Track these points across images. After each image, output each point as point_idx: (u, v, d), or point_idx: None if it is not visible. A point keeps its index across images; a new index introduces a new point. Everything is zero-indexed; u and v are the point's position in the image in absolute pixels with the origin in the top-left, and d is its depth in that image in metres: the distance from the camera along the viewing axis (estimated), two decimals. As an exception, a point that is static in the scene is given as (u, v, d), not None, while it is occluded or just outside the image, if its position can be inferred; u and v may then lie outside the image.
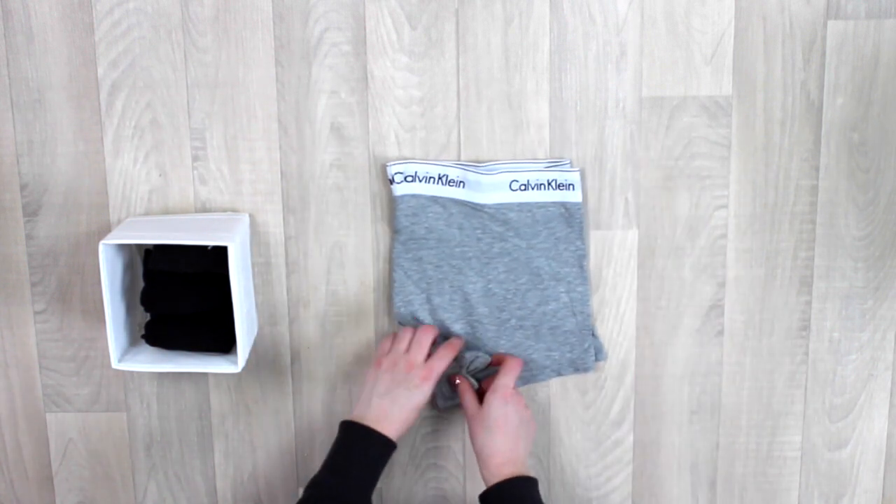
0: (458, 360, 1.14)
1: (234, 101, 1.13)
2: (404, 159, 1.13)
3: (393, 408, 1.06)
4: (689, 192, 1.14)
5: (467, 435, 1.21)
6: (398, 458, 1.22)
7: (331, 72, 1.12)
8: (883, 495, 1.23)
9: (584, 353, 1.17)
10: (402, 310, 1.15)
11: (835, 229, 1.15)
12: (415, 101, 1.12)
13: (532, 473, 1.05)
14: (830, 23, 1.10)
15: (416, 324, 1.16)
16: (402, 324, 1.16)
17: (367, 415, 1.06)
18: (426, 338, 1.11)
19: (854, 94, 1.12)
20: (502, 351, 1.16)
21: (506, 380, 1.09)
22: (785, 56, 1.11)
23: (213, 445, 1.22)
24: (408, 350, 1.10)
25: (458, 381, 1.13)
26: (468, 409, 1.10)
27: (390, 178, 1.12)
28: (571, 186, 1.12)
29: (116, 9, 1.10)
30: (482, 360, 1.14)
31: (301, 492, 1.22)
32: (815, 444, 1.21)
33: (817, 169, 1.14)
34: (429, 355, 1.10)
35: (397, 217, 1.13)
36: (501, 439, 1.05)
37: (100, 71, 1.12)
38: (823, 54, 1.11)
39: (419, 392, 1.07)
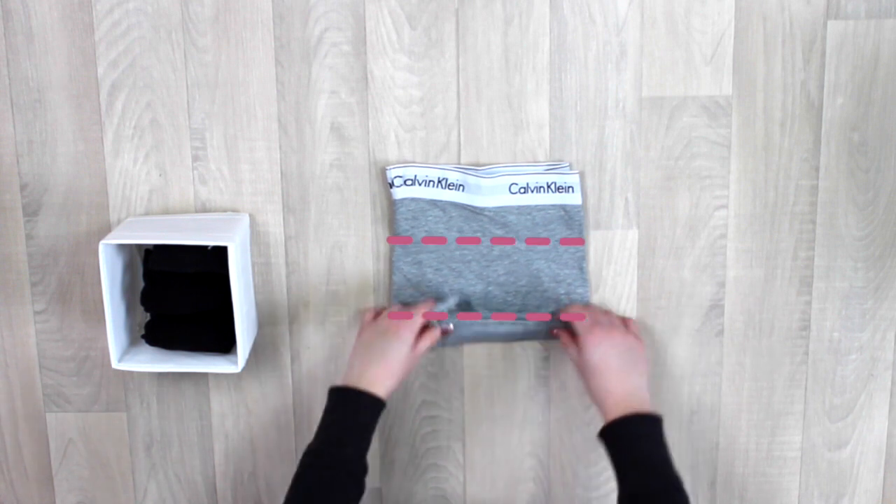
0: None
1: (234, 101, 1.13)
2: (404, 163, 1.13)
3: (375, 363, 1.05)
4: (689, 192, 1.14)
5: (467, 435, 1.21)
6: (398, 458, 1.22)
7: (331, 72, 1.12)
8: (883, 495, 1.23)
9: None
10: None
11: (835, 229, 1.15)
12: (415, 101, 1.12)
13: (648, 408, 1.02)
14: (830, 23, 1.10)
15: None
16: None
17: (352, 377, 1.05)
18: (421, 308, 1.11)
19: (854, 94, 1.12)
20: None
21: (581, 324, 1.08)
22: (785, 56, 1.11)
23: (213, 445, 1.22)
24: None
25: (554, 331, 1.14)
26: (572, 358, 1.09)
27: (390, 181, 1.12)
28: (571, 189, 1.12)
29: (116, 9, 1.10)
30: (454, 300, 1.14)
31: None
32: (815, 444, 1.21)
33: (817, 169, 1.14)
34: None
35: (397, 221, 1.13)
36: (607, 382, 1.04)
37: (100, 71, 1.12)
38: (823, 54, 1.11)
39: (398, 341, 1.06)
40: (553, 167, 1.13)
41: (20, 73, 1.12)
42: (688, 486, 1.22)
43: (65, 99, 1.13)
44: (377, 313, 1.13)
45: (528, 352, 1.19)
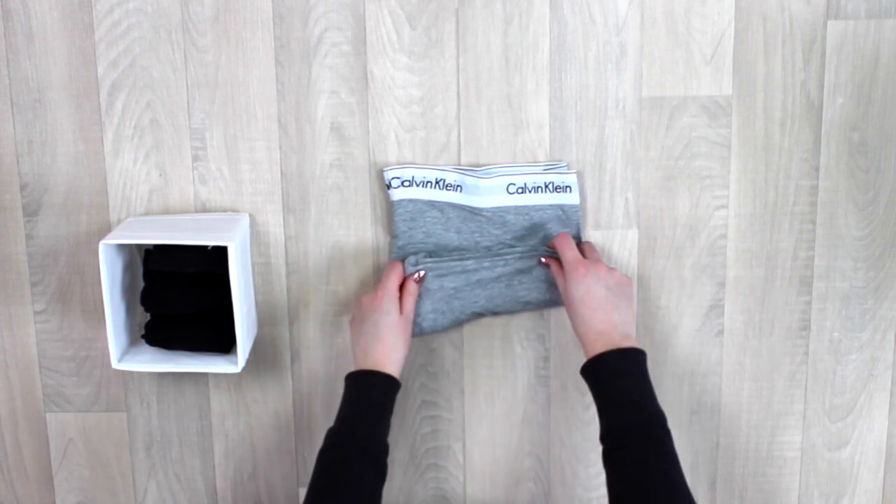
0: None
1: (234, 101, 1.13)
2: (401, 164, 1.13)
3: (373, 343, 1.06)
4: (689, 192, 1.14)
5: (467, 435, 1.21)
6: (398, 458, 1.22)
7: (331, 72, 1.12)
8: (883, 495, 1.23)
9: None
10: None
11: (835, 229, 1.15)
12: (415, 101, 1.12)
13: (631, 343, 1.01)
14: (830, 23, 1.10)
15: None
16: None
17: (359, 361, 1.07)
18: (390, 273, 1.10)
19: (854, 94, 1.12)
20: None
21: (569, 254, 1.07)
22: (785, 56, 1.11)
23: (213, 445, 1.22)
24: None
25: (543, 259, 1.12)
26: (561, 291, 1.09)
27: (387, 182, 1.12)
28: (568, 189, 1.12)
29: (116, 9, 1.10)
30: (423, 254, 1.13)
31: (302, 493, 1.22)
32: (815, 444, 1.21)
33: (817, 169, 1.14)
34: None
35: (395, 222, 1.13)
36: (590, 315, 1.03)
37: (100, 71, 1.12)
38: (823, 54, 1.11)
39: (383, 313, 1.07)
40: (551, 167, 1.13)
41: (20, 73, 1.12)
42: (688, 485, 1.22)
43: (65, 99, 1.13)
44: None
45: (528, 352, 1.19)
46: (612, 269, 1.07)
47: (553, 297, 1.13)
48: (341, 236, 1.16)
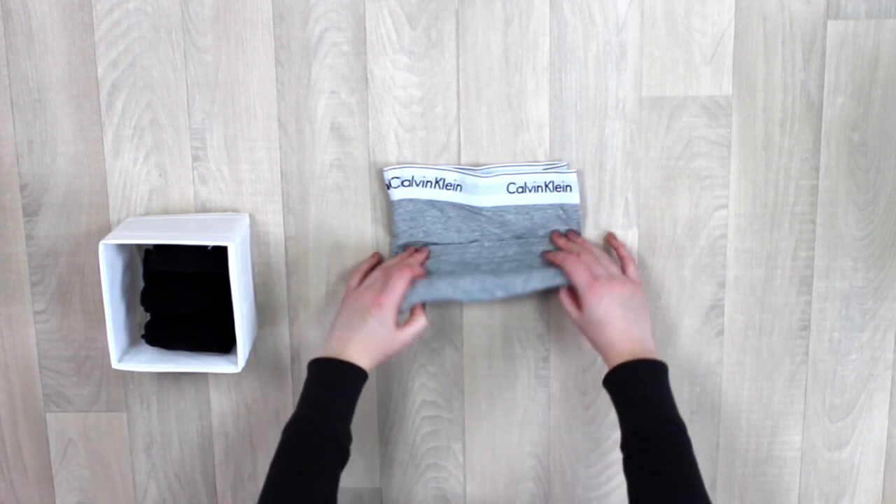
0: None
1: (234, 101, 1.13)
2: (401, 164, 1.13)
3: (353, 337, 1.03)
4: (689, 192, 1.14)
5: (467, 435, 1.21)
6: (398, 458, 1.22)
7: (331, 72, 1.12)
8: (883, 495, 1.23)
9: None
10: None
11: (835, 229, 1.15)
12: (415, 101, 1.12)
13: (652, 356, 1.01)
14: (830, 23, 1.10)
15: None
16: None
17: (333, 349, 1.04)
18: (399, 280, 1.06)
19: (854, 94, 1.12)
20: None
21: (581, 277, 1.05)
22: (785, 56, 1.11)
23: (213, 445, 1.22)
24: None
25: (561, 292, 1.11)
26: (571, 316, 1.08)
27: (387, 182, 1.12)
28: (569, 188, 1.12)
29: (116, 9, 1.10)
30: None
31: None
32: (815, 444, 1.21)
33: (817, 169, 1.14)
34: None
35: (395, 221, 1.13)
36: (610, 335, 1.03)
37: (100, 71, 1.12)
38: (823, 54, 1.11)
39: (374, 320, 1.03)
40: (551, 166, 1.13)
41: (20, 73, 1.12)
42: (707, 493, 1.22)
43: (65, 99, 1.13)
44: (363, 277, 1.11)
45: (528, 352, 1.19)
46: (624, 282, 1.06)
47: (558, 279, 1.09)
48: (341, 236, 1.16)
